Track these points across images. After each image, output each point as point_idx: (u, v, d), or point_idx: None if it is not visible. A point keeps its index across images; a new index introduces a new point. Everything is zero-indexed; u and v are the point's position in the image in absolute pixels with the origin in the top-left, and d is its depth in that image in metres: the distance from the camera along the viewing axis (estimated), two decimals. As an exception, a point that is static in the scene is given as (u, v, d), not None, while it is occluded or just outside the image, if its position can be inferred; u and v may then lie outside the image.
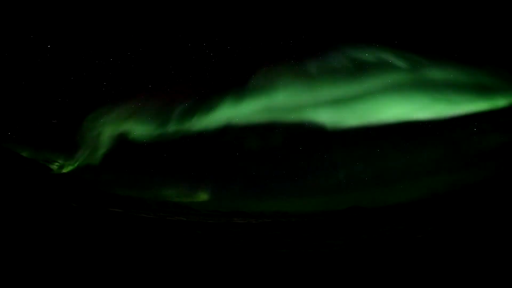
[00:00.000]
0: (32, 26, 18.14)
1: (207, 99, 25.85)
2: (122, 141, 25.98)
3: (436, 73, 22.87)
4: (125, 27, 21.25)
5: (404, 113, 23.57)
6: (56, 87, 22.88)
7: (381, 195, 24.30)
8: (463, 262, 6.67)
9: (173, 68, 24.72)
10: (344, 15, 22.07)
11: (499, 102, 21.76)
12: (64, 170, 25.67)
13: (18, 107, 22.86)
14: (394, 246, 9.41)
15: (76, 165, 26.00)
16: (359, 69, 23.93)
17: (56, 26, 18.79)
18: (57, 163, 25.80)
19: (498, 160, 22.12)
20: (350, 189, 25.64)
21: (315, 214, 23.97)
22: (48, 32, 18.79)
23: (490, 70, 21.64)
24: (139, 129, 26.01)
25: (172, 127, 25.92)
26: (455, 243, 9.01)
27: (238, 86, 25.43)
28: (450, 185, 22.53)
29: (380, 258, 7.55)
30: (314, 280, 5.59)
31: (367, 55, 23.50)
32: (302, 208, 25.21)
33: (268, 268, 6.49)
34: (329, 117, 25.00)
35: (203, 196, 26.68)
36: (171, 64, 24.29)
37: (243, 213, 24.14)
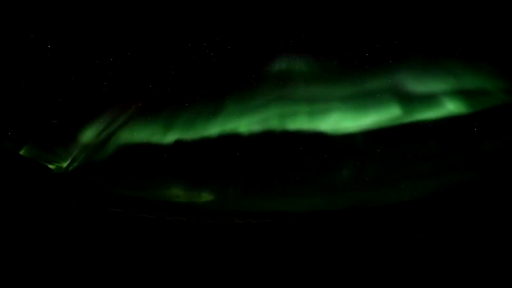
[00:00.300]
0: (32, 26, 18.15)
1: (209, 100, 25.83)
2: (123, 142, 25.99)
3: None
4: (125, 27, 21.25)
5: (401, 113, 23.61)
6: (56, 87, 22.86)
7: (381, 195, 24.31)
8: (463, 262, 6.67)
9: (174, 68, 24.69)
10: (348, 15, 21.91)
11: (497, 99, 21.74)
12: (64, 170, 25.67)
13: (18, 107, 22.86)
14: (394, 246, 9.41)
15: (76, 165, 26.01)
16: (359, 69, 23.95)
17: (56, 26, 18.80)
18: (57, 163, 25.80)
19: (498, 159, 22.13)
20: (350, 189, 25.64)
21: (315, 214, 23.97)
22: (48, 32, 18.80)
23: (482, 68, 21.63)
24: (140, 131, 26.01)
25: (173, 131, 25.91)
26: (455, 243, 9.01)
27: (240, 87, 25.42)
28: (450, 184, 22.54)
29: (380, 258, 7.55)
30: (314, 280, 5.59)
31: (367, 55, 23.47)
32: (302, 208, 25.21)
33: (267, 268, 6.49)
34: (329, 118, 25.04)
35: (203, 197, 26.69)
36: (171, 64, 24.28)
37: (243, 213, 24.12)
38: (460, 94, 22.61)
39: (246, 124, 25.81)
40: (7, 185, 16.78)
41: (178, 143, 25.96)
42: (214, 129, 25.80)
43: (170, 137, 25.91)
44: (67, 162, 26.20)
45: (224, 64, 24.52)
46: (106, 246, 7.93)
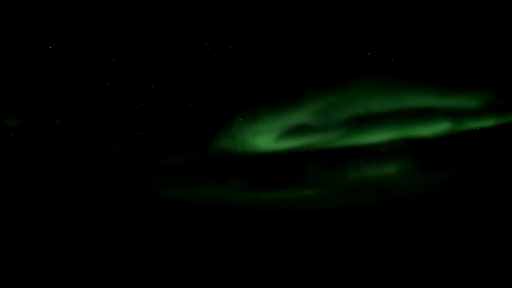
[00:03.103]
0: (33, 27, 18.22)
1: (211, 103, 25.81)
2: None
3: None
4: (126, 28, 21.33)
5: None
6: (58, 88, 22.97)
7: (381, 195, 24.29)
8: (464, 262, 6.67)
9: (175, 68, 24.79)
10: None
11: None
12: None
13: (19, 108, 22.95)
14: (394, 246, 9.40)
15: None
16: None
17: (57, 26, 18.88)
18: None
19: (498, 158, 22.04)
20: (350, 188, 25.61)
21: (315, 213, 23.97)
22: (49, 32, 18.88)
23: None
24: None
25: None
26: (455, 243, 9.00)
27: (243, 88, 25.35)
28: (451, 184, 22.47)
29: (380, 258, 7.55)
30: (313, 280, 5.60)
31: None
32: (303, 208, 25.19)
33: (268, 268, 6.50)
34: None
35: (203, 196, 26.67)
36: (173, 64, 24.36)
37: (243, 213, 24.11)
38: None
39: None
40: (7, 186, 16.78)
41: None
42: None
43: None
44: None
45: (225, 64, 24.49)
46: (106, 246, 7.95)
